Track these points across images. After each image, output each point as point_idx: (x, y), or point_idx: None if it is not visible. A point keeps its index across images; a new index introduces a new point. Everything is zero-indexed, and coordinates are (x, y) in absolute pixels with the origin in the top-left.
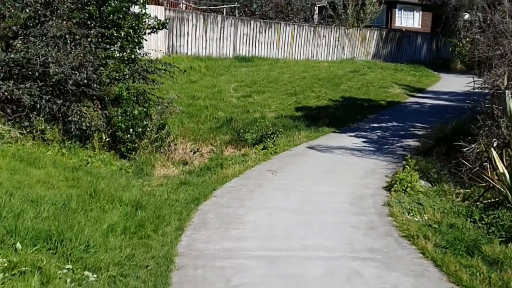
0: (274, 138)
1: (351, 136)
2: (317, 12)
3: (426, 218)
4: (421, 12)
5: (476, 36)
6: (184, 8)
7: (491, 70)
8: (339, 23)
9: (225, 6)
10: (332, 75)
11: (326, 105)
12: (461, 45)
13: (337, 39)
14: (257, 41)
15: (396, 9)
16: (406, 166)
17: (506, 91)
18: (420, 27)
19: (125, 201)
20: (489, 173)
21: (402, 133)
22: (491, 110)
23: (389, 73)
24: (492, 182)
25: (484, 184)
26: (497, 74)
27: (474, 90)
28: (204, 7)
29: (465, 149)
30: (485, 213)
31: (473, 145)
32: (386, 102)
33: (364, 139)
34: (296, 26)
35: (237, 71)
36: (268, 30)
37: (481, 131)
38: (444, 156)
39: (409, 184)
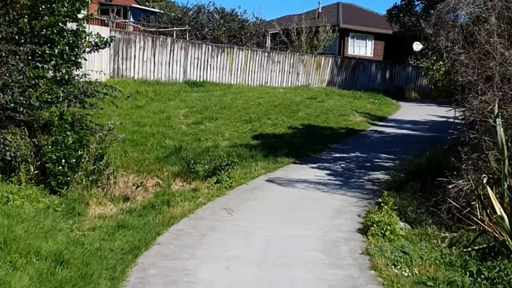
0: (229, 170)
1: (313, 167)
2: (269, 38)
3: (417, 272)
4: (373, 41)
5: (461, 57)
6: (132, 30)
7: (477, 97)
8: (292, 50)
9: (175, 28)
10: (289, 101)
11: (284, 133)
12: (434, 69)
13: (291, 65)
14: (208, 66)
15: (349, 37)
16: (383, 205)
17: (497, 120)
18: (372, 55)
19: (44, 253)
20: (478, 214)
21: (368, 164)
22: (478, 141)
23: (347, 100)
24: (484, 225)
25: (474, 227)
26: (485, 101)
27: (450, 120)
28: (153, 29)
29: (450, 186)
30: (483, 264)
31: (460, 182)
32: (347, 131)
33: (328, 171)
34: (249, 51)
35: (187, 96)
36: (221, 55)
37: (465, 165)
38: (420, 192)
39: (388, 227)
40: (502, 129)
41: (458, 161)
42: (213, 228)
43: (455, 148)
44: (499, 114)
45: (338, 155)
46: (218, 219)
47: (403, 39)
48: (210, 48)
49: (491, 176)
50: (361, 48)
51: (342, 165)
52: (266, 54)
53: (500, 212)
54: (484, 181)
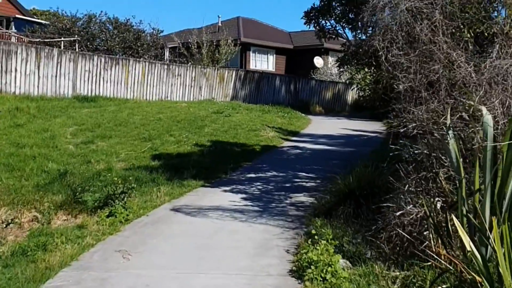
0: (125, 198)
1: (226, 191)
2: (168, 51)
3: None
4: (274, 55)
5: (401, 60)
6: (15, 41)
7: (419, 105)
8: (193, 63)
9: (63, 39)
10: (193, 116)
11: (189, 151)
12: (359, 76)
13: (193, 78)
14: (101, 79)
15: (250, 52)
16: (318, 237)
17: (450, 132)
18: (274, 70)
19: None
20: (433, 245)
21: (287, 185)
22: (425, 158)
23: (256, 114)
24: (442, 260)
25: (429, 263)
26: (432, 110)
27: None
28: (38, 40)
29: (398, 213)
30: None
31: (410, 207)
32: (260, 147)
33: (244, 195)
34: (147, 63)
35: (76, 112)
36: (115, 67)
37: (408, 186)
38: (354, 218)
39: (328, 268)
40: (454, 143)
41: (398, 182)
42: (103, 283)
43: (393, 166)
44: (451, 126)
45: (253, 175)
46: (110, 267)
47: (304, 54)
48: (103, 59)
49: (444, 199)
50: (262, 63)
51: (259, 187)
52: (166, 66)
53: (470, 246)
54: (438, 206)
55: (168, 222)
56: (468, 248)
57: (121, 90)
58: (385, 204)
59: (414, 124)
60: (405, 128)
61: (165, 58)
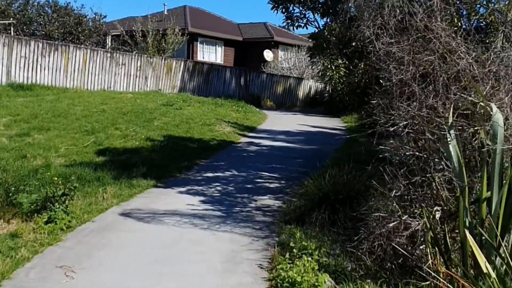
0: (67, 201)
1: (182, 192)
2: (111, 39)
3: None
4: (223, 47)
5: (393, 49)
6: None
7: (412, 101)
8: (138, 52)
9: None
10: (141, 108)
11: (139, 147)
12: (333, 67)
13: (138, 68)
14: (39, 66)
15: (198, 42)
16: (299, 253)
17: (451, 132)
18: (222, 62)
19: None
20: (430, 261)
21: (250, 186)
22: (418, 160)
23: (209, 108)
24: (441, 278)
25: (428, 282)
26: (431, 106)
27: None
28: None
29: (391, 224)
30: None
31: (404, 218)
32: (216, 143)
33: (203, 198)
34: (88, 51)
35: (11, 102)
36: (54, 53)
37: (395, 191)
38: (331, 226)
39: None
40: (456, 144)
41: (383, 186)
42: None
43: (372, 168)
44: (453, 124)
45: (210, 174)
46: (49, 287)
47: (253, 46)
48: (40, 45)
49: (440, 208)
50: (210, 54)
51: (219, 188)
52: (109, 54)
53: (486, 267)
54: (437, 216)
55: (118, 230)
56: (484, 270)
57: (61, 79)
58: (365, 211)
59: (405, 122)
60: (395, 127)
61: (107, 45)
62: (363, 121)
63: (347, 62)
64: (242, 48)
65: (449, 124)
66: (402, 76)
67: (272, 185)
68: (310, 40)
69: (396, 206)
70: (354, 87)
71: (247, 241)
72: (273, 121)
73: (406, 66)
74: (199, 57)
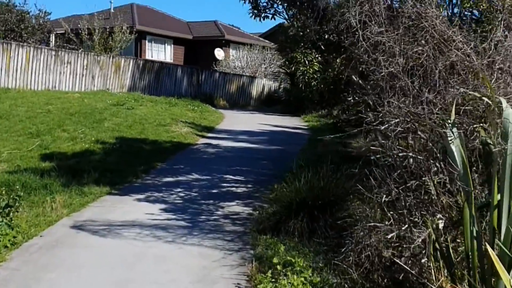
0: (11, 213)
1: (140, 200)
2: (55, 36)
3: None
4: (172, 45)
5: (384, 38)
6: None
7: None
8: (84, 50)
9: None
10: (89, 109)
11: (89, 150)
12: (307, 62)
13: (85, 67)
14: None
15: (146, 41)
16: (287, 271)
17: (454, 130)
18: (172, 60)
19: None
20: (433, 276)
21: (214, 191)
22: (414, 162)
23: (163, 107)
24: None
25: None
26: (431, 102)
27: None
28: None
29: (390, 235)
30: None
31: (415, 231)
32: (173, 145)
33: (164, 205)
34: (32, 48)
35: None
36: None
37: (385, 196)
38: (310, 235)
39: None
40: (460, 144)
41: (369, 191)
42: None
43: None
44: (455, 122)
45: (170, 178)
46: None
47: (204, 45)
48: None
49: (439, 216)
50: (159, 53)
51: (181, 194)
52: (54, 52)
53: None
54: (441, 225)
55: (70, 246)
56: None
57: (2, 78)
58: (348, 218)
59: (396, 120)
60: (386, 125)
61: (51, 43)
62: (337, 119)
63: (320, 56)
64: (192, 47)
65: (451, 121)
66: (392, 69)
67: (239, 190)
68: (262, 39)
69: (392, 214)
70: (329, 83)
71: (219, 255)
72: (231, 120)
73: (397, 57)
74: (148, 56)
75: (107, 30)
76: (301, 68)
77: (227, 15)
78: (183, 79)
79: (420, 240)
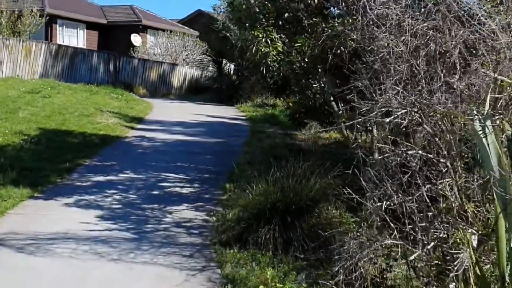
0: None
1: (69, 204)
2: None
3: None
4: (85, 30)
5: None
6: None
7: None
8: None
9: None
10: (0, 97)
11: (2, 144)
12: (269, 42)
13: None
14: None
15: (57, 25)
16: None
17: (488, 123)
18: (85, 46)
19: None
20: None
21: (156, 192)
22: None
23: (83, 95)
24: None
25: None
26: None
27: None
28: None
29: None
30: None
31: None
32: (100, 138)
33: (100, 211)
34: None
35: None
36: None
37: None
38: (285, 247)
39: None
40: (496, 141)
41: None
42: None
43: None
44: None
45: (101, 178)
46: None
47: (120, 30)
48: None
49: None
50: (71, 38)
51: (117, 196)
52: None
53: None
54: (474, 242)
55: None
56: None
57: None
58: (328, 226)
59: (403, 111)
60: (391, 117)
61: None
62: (297, 108)
63: (284, 35)
64: (107, 32)
65: (486, 113)
66: (400, 48)
67: (184, 190)
68: (181, 25)
69: (395, 225)
70: (297, 67)
71: (180, 277)
72: (161, 110)
73: (405, 34)
74: (59, 41)
75: (16, 12)
76: (262, 49)
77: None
78: (99, 66)
79: (458, 262)
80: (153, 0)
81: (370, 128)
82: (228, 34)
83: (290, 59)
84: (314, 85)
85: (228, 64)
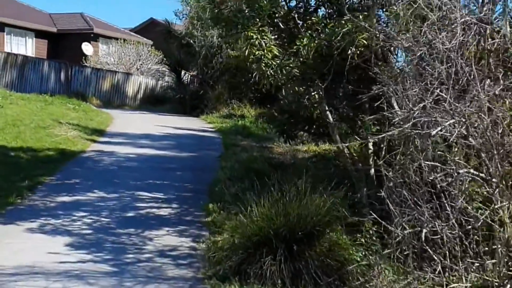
0: None
1: (33, 230)
2: None
3: None
4: (34, 38)
5: None
6: None
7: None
8: None
9: None
10: None
11: None
12: (263, 45)
13: None
14: None
15: (5, 33)
16: None
17: None
18: (34, 55)
19: None
20: None
21: (131, 214)
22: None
23: (38, 106)
24: None
25: None
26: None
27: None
28: None
29: None
30: None
31: None
32: (61, 153)
33: (69, 238)
34: None
35: None
36: None
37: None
38: (294, 281)
39: None
40: None
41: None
42: None
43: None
44: None
45: (66, 198)
46: None
47: (70, 38)
48: None
49: None
50: (20, 46)
51: (87, 219)
52: None
53: None
54: None
55: None
56: None
57: None
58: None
59: (451, 121)
60: (437, 129)
61: None
62: (286, 120)
63: (279, 37)
64: (57, 41)
65: None
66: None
67: (162, 211)
68: (134, 34)
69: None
70: (296, 73)
71: None
72: (123, 121)
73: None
74: (7, 49)
75: None
76: (256, 52)
77: (92, 8)
78: (50, 75)
79: None
80: (102, 9)
81: (373, 141)
82: (191, 41)
83: (287, 63)
84: (312, 93)
85: (186, 74)
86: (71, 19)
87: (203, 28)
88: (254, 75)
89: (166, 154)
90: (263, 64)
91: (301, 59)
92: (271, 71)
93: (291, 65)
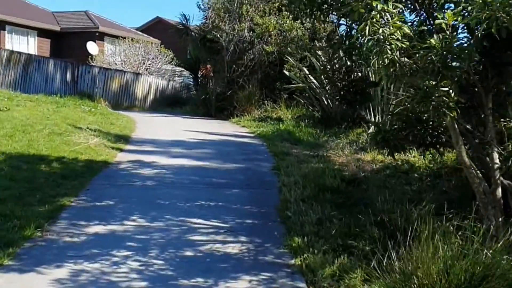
0: None
1: (62, 283)
2: None
3: None
4: (37, 37)
5: None
6: None
7: None
8: None
9: None
10: None
11: None
12: (390, 20)
13: None
14: None
15: (6, 31)
16: None
17: None
18: (36, 53)
19: None
20: None
21: (188, 253)
22: None
23: (50, 108)
24: None
25: None
26: None
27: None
28: None
29: None
30: None
31: None
32: (84, 165)
33: None
34: None
35: None
36: None
37: None
38: None
39: None
40: None
41: None
42: None
43: None
44: None
45: (101, 228)
46: None
47: (74, 37)
48: None
49: None
50: (21, 45)
51: (133, 262)
52: None
53: None
54: None
55: None
56: None
57: None
58: None
59: None
60: None
61: None
62: (399, 126)
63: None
64: (60, 39)
65: None
66: None
67: (229, 248)
68: (140, 33)
69: None
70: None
71: None
72: (147, 126)
73: None
74: (8, 48)
75: None
76: (379, 31)
77: (97, 7)
78: (55, 75)
79: None
80: (106, 8)
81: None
82: (218, 35)
83: (426, 44)
84: (446, 89)
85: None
86: (75, 18)
87: (230, 22)
88: (372, 61)
89: (208, 166)
90: (388, 47)
91: (446, 42)
92: (397, 55)
93: (435, 46)
